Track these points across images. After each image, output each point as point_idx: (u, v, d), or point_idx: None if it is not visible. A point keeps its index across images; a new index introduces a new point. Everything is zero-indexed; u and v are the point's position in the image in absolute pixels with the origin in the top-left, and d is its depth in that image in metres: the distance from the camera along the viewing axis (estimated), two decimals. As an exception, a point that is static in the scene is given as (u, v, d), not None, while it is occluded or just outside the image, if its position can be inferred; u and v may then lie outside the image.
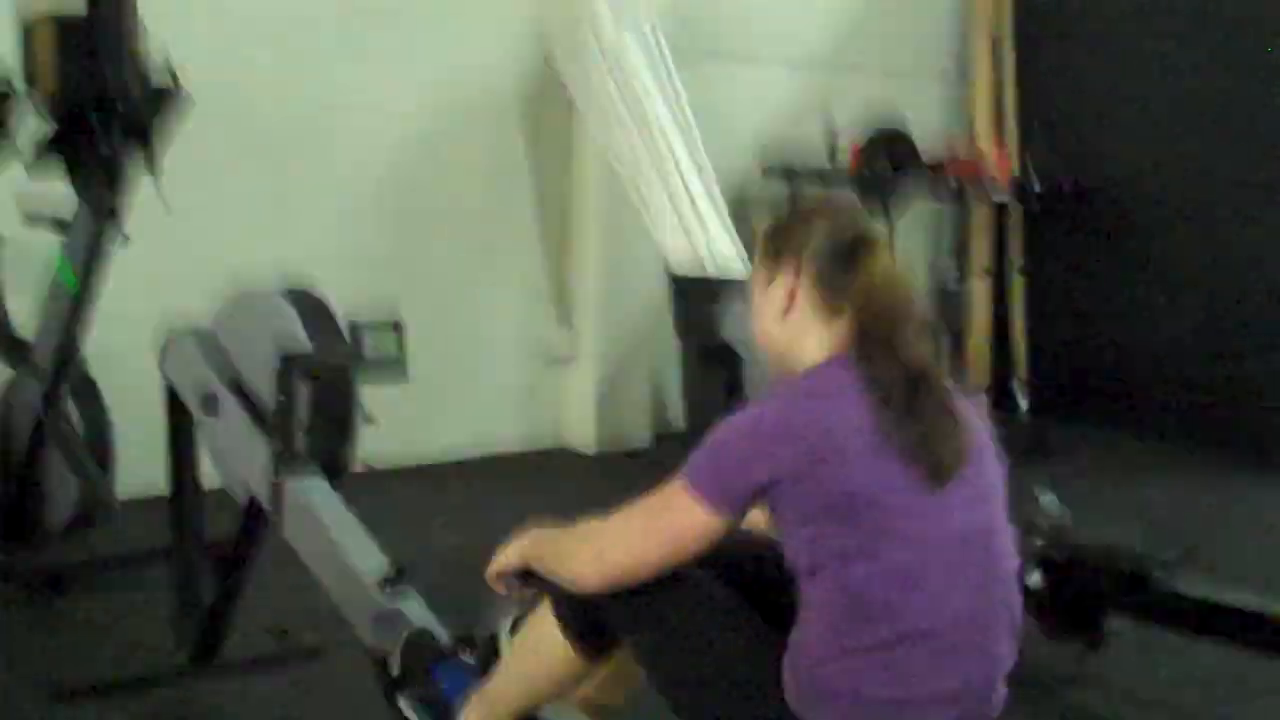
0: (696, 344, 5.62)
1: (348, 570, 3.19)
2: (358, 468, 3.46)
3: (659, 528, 2.25)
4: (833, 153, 6.91)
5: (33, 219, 4.54)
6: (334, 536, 3.26)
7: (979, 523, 2.25)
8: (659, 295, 6.16)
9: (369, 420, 3.52)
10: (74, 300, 4.45)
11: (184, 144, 4.47)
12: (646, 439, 6.78)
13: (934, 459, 2.17)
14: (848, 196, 2.25)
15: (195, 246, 5.12)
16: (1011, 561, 2.31)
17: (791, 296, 2.32)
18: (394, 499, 5.31)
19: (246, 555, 3.64)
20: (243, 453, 3.46)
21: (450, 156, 6.15)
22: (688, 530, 2.21)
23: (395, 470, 5.68)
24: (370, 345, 3.24)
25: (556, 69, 6.19)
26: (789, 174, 6.97)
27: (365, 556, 3.21)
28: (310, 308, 3.48)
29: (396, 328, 3.28)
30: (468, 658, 2.91)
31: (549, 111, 6.36)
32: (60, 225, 4.50)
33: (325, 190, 5.85)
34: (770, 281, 2.36)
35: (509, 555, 2.61)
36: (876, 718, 2.15)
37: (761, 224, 2.44)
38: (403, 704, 2.85)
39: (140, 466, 4.46)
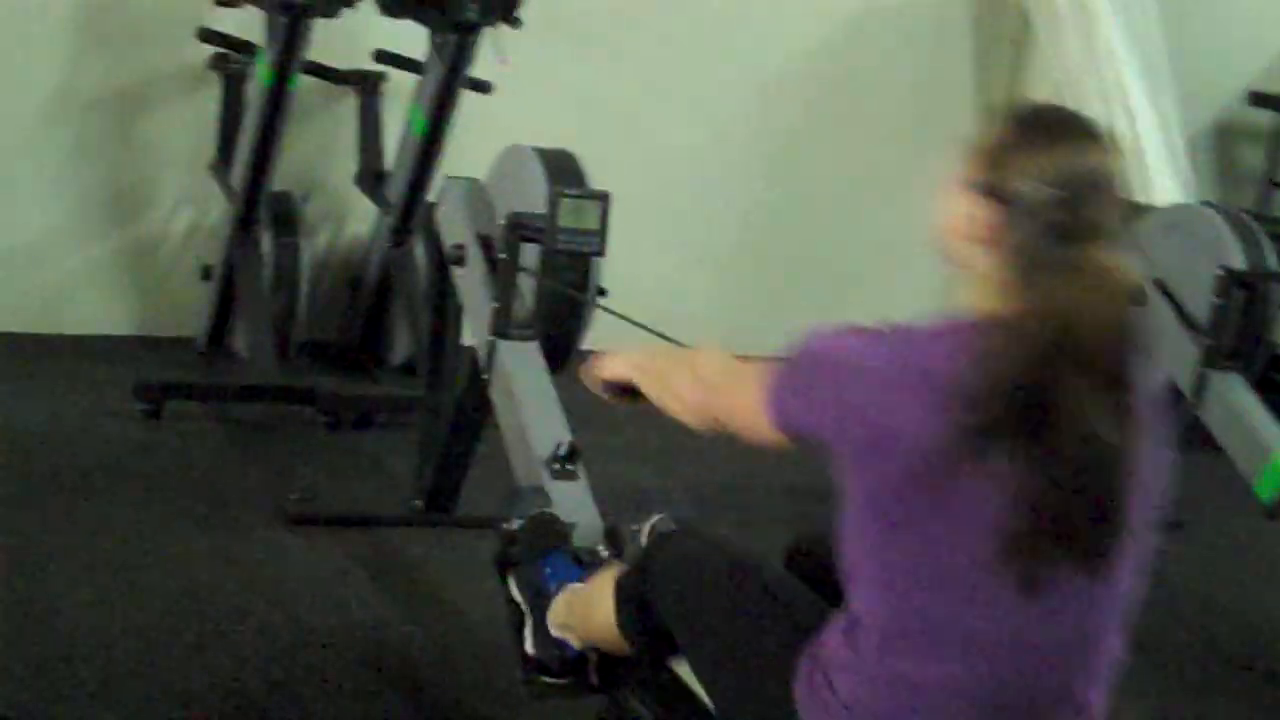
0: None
1: (523, 439, 3.11)
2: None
3: (736, 408, 2.04)
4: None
5: (385, 59, 4.66)
6: (522, 404, 3.20)
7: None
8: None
9: (602, 294, 3.43)
10: (422, 143, 4.52)
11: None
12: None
13: (1037, 569, 1.79)
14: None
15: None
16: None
17: (984, 233, 1.86)
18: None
19: (477, 413, 3.59)
20: (476, 307, 3.46)
21: (890, 67, 5.89)
22: (754, 429, 1.99)
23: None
24: (567, 213, 3.09)
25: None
26: (1278, 103, 6.27)
27: (546, 430, 3.10)
28: (558, 168, 3.42)
29: (601, 200, 3.12)
30: (602, 550, 2.77)
31: (1000, 23, 5.99)
32: (413, 67, 4.58)
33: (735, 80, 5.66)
34: (972, 202, 1.87)
35: (618, 364, 2.39)
36: None
37: (984, 132, 1.94)
38: (509, 581, 2.72)
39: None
